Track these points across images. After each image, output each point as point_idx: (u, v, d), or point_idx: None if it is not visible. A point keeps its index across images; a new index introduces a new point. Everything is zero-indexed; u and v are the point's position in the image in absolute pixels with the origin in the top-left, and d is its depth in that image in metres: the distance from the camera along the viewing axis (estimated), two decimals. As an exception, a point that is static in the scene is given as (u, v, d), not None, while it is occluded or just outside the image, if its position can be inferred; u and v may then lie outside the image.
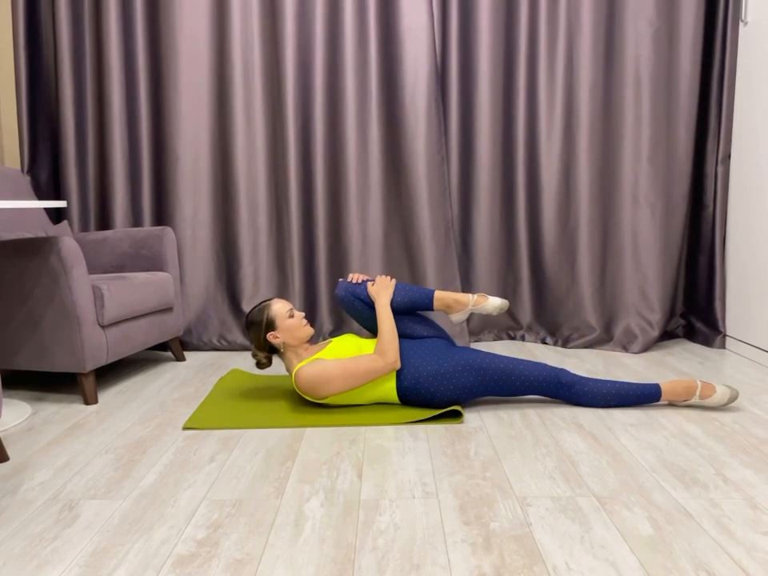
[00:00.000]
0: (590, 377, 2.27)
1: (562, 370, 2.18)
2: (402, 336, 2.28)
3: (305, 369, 2.11)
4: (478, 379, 2.13)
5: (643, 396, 2.16)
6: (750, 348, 2.82)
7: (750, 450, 1.81)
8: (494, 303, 2.29)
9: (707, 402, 2.14)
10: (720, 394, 2.13)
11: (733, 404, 2.21)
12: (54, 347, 2.29)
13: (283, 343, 2.23)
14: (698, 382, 2.16)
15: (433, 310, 2.29)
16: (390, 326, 2.15)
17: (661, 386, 2.17)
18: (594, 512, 1.46)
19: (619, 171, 3.07)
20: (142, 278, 2.60)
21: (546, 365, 2.19)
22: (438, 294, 2.29)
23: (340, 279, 2.33)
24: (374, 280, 2.31)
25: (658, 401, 2.17)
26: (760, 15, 2.76)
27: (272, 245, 3.21)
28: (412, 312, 2.30)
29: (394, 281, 2.28)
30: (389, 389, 2.16)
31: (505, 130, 3.19)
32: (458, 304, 2.30)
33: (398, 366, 2.11)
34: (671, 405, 2.21)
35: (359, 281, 2.30)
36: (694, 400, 2.15)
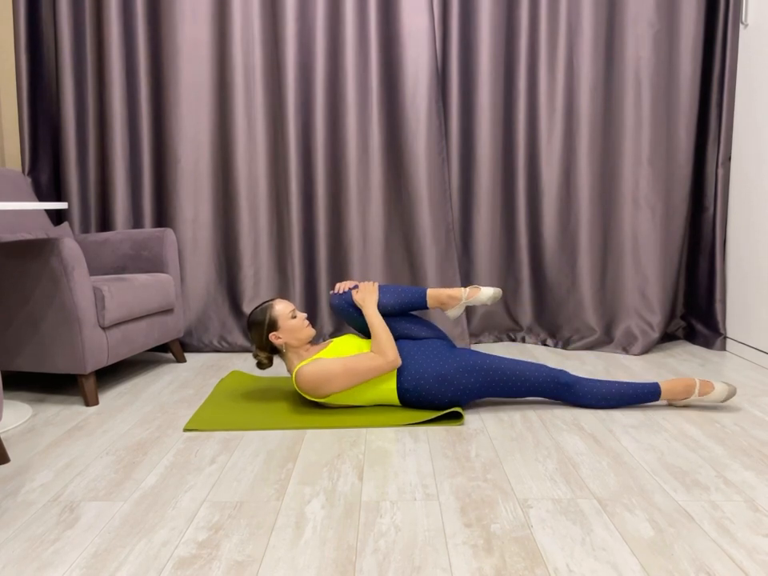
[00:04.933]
0: (589, 378, 2.27)
1: (561, 371, 2.19)
2: (400, 338, 2.29)
3: (305, 368, 2.11)
4: (479, 380, 2.13)
5: (643, 395, 2.17)
6: (751, 350, 2.83)
7: (750, 452, 1.81)
8: (486, 293, 2.29)
9: (706, 399, 2.15)
10: (719, 391, 2.15)
11: (733, 405, 2.21)
12: (54, 349, 2.29)
13: (285, 344, 2.23)
14: (696, 380, 2.17)
15: (428, 308, 2.30)
16: (382, 329, 2.16)
17: (660, 384, 2.17)
18: (594, 514, 1.46)
19: (619, 173, 3.07)
20: (142, 279, 2.60)
21: (546, 366, 2.19)
22: (430, 291, 2.29)
23: (331, 292, 2.35)
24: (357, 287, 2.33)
25: (657, 400, 2.18)
26: (760, 17, 2.77)
27: (273, 246, 3.21)
28: (406, 313, 2.31)
29: (376, 284, 2.28)
30: (389, 390, 2.16)
31: (505, 132, 3.19)
32: (451, 299, 2.29)
33: (399, 363, 2.12)
34: (671, 405, 2.21)
35: (345, 289, 2.31)
36: (693, 398, 2.16)
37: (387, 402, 2.20)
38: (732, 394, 2.15)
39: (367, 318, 2.21)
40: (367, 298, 2.25)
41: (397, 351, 2.14)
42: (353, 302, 2.27)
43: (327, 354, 2.18)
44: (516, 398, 2.20)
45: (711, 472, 1.68)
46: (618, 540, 1.35)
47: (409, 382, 2.14)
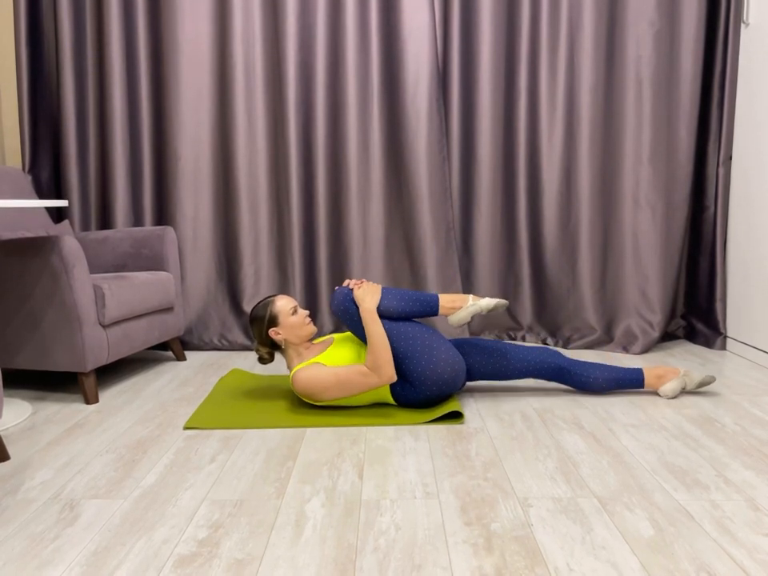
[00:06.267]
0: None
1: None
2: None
3: (302, 373, 2.10)
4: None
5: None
6: (751, 349, 2.82)
7: (750, 451, 1.81)
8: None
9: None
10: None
11: (733, 405, 2.21)
12: (54, 346, 2.29)
13: (285, 340, 2.22)
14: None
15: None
16: (380, 337, 2.05)
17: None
18: (595, 513, 1.46)
19: (620, 172, 3.07)
20: (142, 277, 2.60)
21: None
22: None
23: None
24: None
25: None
26: (761, 17, 2.76)
27: (273, 245, 3.21)
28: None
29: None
30: (383, 391, 2.16)
31: (506, 131, 3.19)
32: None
33: (395, 379, 2.06)
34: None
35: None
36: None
37: (383, 401, 2.20)
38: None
39: (364, 320, 2.08)
40: (367, 296, 2.13)
41: (393, 367, 2.05)
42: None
43: (326, 358, 2.15)
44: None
45: (711, 471, 1.68)
46: (618, 539, 1.35)
47: (399, 383, 2.14)
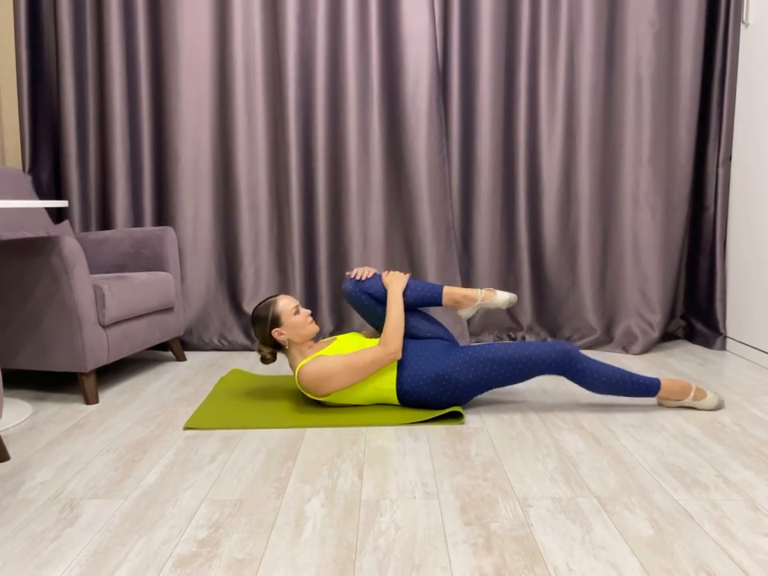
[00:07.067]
0: (593, 358, 2.21)
1: (572, 345, 2.11)
2: (406, 335, 2.28)
3: (307, 366, 2.11)
4: (478, 374, 2.09)
5: (643, 387, 2.13)
6: (751, 350, 2.83)
7: (750, 451, 1.81)
8: (502, 297, 2.27)
9: (697, 404, 2.17)
10: (709, 399, 2.17)
11: (733, 405, 2.21)
12: (54, 347, 2.29)
13: (288, 340, 2.22)
14: (693, 385, 2.19)
15: (441, 305, 2.28)
16: (398, 314, 2.16)
17: (661, 381, 2.16)
18: (594, 513, 1.46)
19: (620, 172, 3.07)
20: (142, 277, 2.60)
21: (551, 340, 2.12)
22: (446, 289, 2.27)
23: (348, 273, 2.32)
24: (380, 274, 2.30)
25: (655, 395, 2.15)
26: (761, 17, 2.76)
27: (273, 245, 3.21)
28: (420, 307, 2.31)
29: (407, 275, 2.27)
30: (388, 391, 2.16)
31: (506, 131, 3.19)
32: (466, 299, 2.26)
33: (399, 356, 2.12)
34: (660, 404, 2.21)
35: (366, 277, 2.27)
36: (687, 401, 2.17)
37: (387, 402, 2.20)
38: (721, 406, 2.18)
39: (390, 299, 2.19)
40: (395, 281, 2.24)
41: (401, 344, 2.13)
42: (367, 289, 2.24)
43: (330, 351, 2.18)
44: (519, 382, 2.13)
45: (711, 471, 1.68)
46: (618, 539, 1.35)
47: (408, 383, 2.13)
